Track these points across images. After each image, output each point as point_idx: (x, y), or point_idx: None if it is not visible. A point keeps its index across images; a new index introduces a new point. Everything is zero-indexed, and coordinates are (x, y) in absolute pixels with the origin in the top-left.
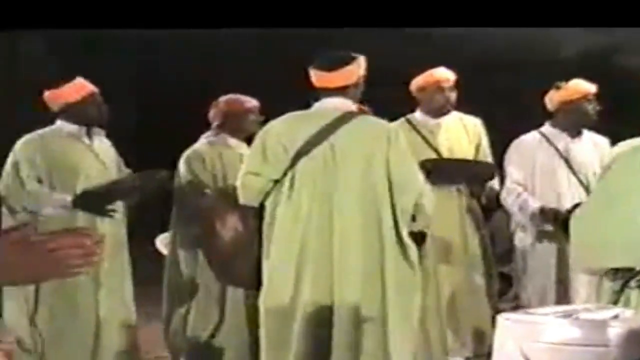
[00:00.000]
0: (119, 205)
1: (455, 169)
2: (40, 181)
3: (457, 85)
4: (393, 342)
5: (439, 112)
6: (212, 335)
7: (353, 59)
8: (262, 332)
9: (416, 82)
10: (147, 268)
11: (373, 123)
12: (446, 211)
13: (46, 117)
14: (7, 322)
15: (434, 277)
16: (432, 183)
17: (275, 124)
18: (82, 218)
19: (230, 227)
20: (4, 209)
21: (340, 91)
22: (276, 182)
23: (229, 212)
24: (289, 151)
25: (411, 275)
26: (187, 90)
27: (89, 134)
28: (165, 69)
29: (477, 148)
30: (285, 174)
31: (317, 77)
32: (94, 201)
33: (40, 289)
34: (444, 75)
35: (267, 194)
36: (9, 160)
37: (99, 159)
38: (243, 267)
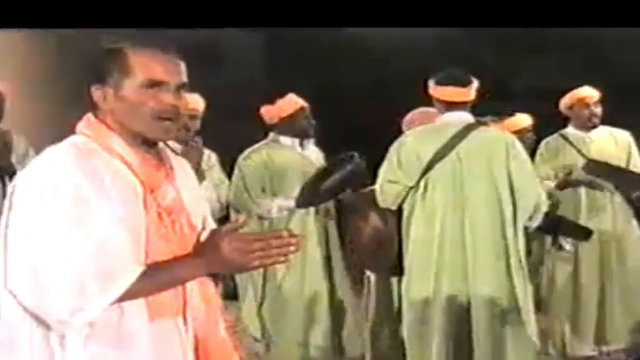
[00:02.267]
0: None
1: (610, 172)
2: (264, 190)
3: (602, 101)
4: (529, 330)
5: (587, 126)
6: None
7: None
8: (405, 321)
9: (564, 101)
10: None
11: (493, 133)
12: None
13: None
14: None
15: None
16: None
17: (409, 135)
18: (294, 221)
19: (372, 224)
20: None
21: (465, 105)
22: (410, 188)
23: (370, 210)
24: (422, 160)
25: (522, 267)
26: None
27: (302, 144)
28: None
29: (628, 159)
30: (418, 181)
31: (448, 92)
32: (313, 198)
33: (266, 283)
34: (589, 93)
35: (404, 199)
36: (236, 173)
37: (313, 166)
38: (385, 258)
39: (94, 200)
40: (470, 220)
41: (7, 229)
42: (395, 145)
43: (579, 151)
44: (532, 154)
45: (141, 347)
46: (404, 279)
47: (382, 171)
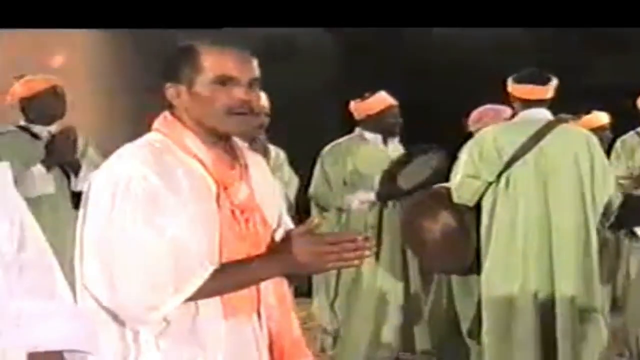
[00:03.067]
0: None
1: None
2: (345, 183)
3: None
4: (604, 330)
5: None
6: None
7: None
8: (486, 319)
9: None
10: None
11: (575, 130)
12: None
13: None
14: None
15: None
16: None
17: (489, 131)
18: (371, 214)
19: (442, 224)
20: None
21: (544, 103)
22: (490, 183)
23: (441, 209)
24: (503, 156)
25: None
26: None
27: (385, 142)
28: None
29: None
30: (499, 176)
31: (527, 90)
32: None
33: (340, 278)
34: None
35: (483, 195)
36: (318, 166)
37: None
38: (459, 257)
39: (167, 198)
40: (556, 216)
41: (83, 225)
42: (473, 141)
43: None
44: (608, 152)
45: (216, 345)
46: (485, 276)
47: (461, 167)
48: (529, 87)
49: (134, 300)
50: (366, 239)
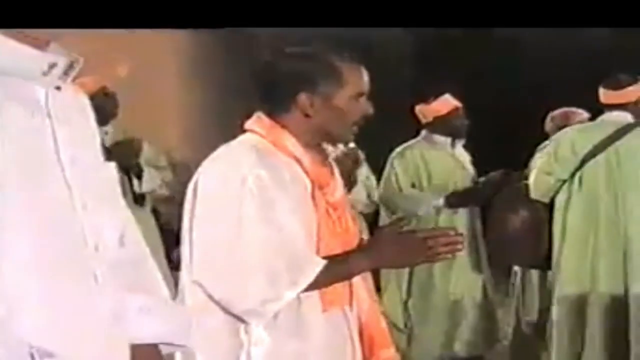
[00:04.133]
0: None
1: None
2: (413, 186)
3: None
4: None
5: None
6: None
7: (636, 81)
8: (555, 314)
9: None
10: None
11: None
12: None
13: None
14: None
15: None
16: None
17: (568, 131)
18: (442, 217)
19: (522, 217)
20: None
21: (625, 106)
22: (564, 181)
23: (520, 203)
24: (578, 155)
25: None
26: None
27: (453, 144)
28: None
29: None
30: (573, 175)
31: (605, 94)
32: (465, 200)
33: (413, 277)
34: None
35: (557, 192)
36: (387, 168)
37: (462, 165)
38: (531, 251)
39: (279, 197)
40: (626, 215)
41: (192, 223)
42: (552, 140)
43: None
44: None
45: (316, 336)
46: (557, 272)
47: (539, 163)
48: (607, 92)
49: (252, 295)
50: (459, 234)
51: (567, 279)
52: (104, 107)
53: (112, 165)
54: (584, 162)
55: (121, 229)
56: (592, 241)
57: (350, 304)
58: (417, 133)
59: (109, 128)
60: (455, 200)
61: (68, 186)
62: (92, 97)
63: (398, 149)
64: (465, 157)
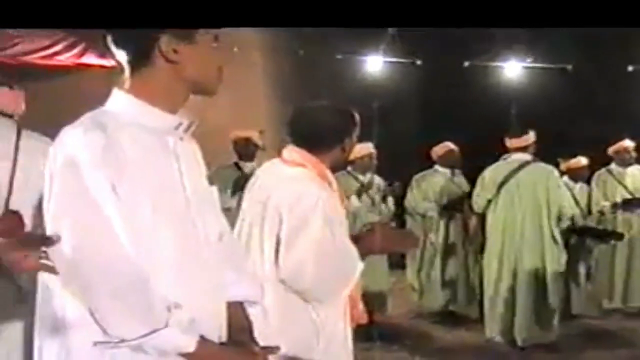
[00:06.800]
0: None
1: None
2: (424, 199)
3: None
4: None
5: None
6: None
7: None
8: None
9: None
10: None
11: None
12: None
13: None
14: None
15: None
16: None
17: (490, 167)
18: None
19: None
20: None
21: (523, 149)
22: (489, 200)
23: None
24: (496, 183)
25: None
26: None
27: (453, 173)
28: None
29: None
30: (495, 196)
31: (509, 142)
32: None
33: (424, 255)
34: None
35: (486, 207)
36: (409, 188)
37: (458, 186)
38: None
39: (332, 211)
40: (524, 223)
41: (297, 234)
42: (483, 173)
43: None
44: None
45: (346, 311)
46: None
47: (475, 189)
48: (512, 140)
49: (331, 286)
50: (414, 235)
51: (490, 259)
52: (251, 150)
53: (214, 189)
54: (499, 188)
55: (220, 230)
56: (506, 235)
57: None
58: (431, 166)
59: (254, 163)
60: (448, 206)
61: (187, 201)
62: (242, 144)
63: (416, 176)
64: (462, 181)
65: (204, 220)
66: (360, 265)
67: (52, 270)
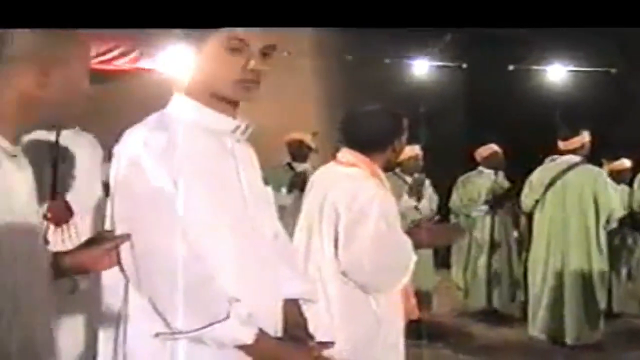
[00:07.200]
0: None
1: None
2: (469, 200)
3: None
4: None
5: None
6: None
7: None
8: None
9: None
10: None
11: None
12: None
13: None
14: None
15: None
16: None
17: (538, 169)
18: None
19: None
20: None
21: (572, 151)
22: (537, 200)
23: None
24: (543, 184)
25: None
26: None
27: (496, 174)
28: None
29: None
30: (542, 196)
31: (560, 144)
32: None
33: (470, 254)
34: None
35: (534, 207)
36: (454, 189)
37: (500, 187)
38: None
39: (389, 207)
40: (569, 223)
41: (349, 225)
42: (532, 175)
43: None
44: None
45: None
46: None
47: (524, 190)
48: (562, 142)
49: (390, 276)
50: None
51: (536, 258)
52: (305, 151)
53: (269, 189)
54: (546, 189)
55: (275, 229)
56: (552, 235)
57: None
58: (474, 167)
59: (307, 164)
60: (495, 205)
61: (245, 200)
62: (296, 145)
63: (461, 178)
64: (505, 182)
65: (260, 219)
66: (414, 257)
67: (122, 267)
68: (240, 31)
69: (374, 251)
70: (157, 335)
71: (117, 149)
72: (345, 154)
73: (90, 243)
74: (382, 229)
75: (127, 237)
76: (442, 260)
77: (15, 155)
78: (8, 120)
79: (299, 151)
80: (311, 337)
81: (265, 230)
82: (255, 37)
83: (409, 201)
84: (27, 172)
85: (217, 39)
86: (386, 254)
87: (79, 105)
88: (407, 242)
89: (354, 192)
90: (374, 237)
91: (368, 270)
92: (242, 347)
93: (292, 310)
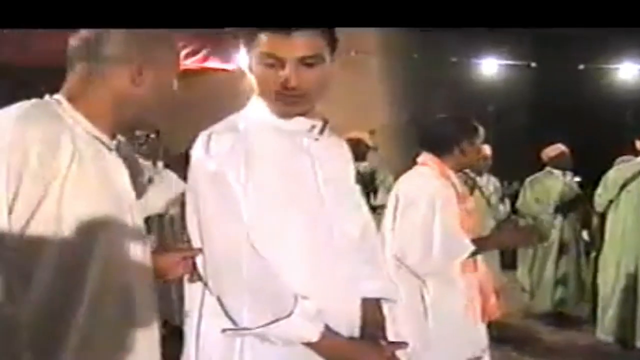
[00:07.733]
0: None
1: None
2: (537, 201)
3: None
4: None
5: None
6: None
7: None
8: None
9: None
10: None
11: None
12: None
13: None
14: None
15: None
16: None
17: (612, 170)
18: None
19: None
20: None
21: None
22: (611, 201)
23: None
24: (617, 184)
25: None
26: None
27: (564, 174)
28: None
29: None
30: (617, 197)
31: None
32: None
33: (536, 255)
34: None
35: (607, 207)
36: (522, 190)
37: (570, 188)
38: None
39: (444, 202)
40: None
41: (412, 217)
42: (606, 175)
43: None
44: None
45: (459, 288)
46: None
47: (598, 190)
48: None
49: (437, 261)
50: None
51: (608, 260)
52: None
53: (358, 187)
54: (621, 189)
55: (362, 227)
56: (626, 238)
57: (475, 270)
58: (542, 168)
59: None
60: (564, 209)
61: (321, 197)
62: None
63: (529, 179)
64: (574, 183)
65: (342, 216)
66: (470, 248)
67: (197, 272)
68: (263, 38)
69: (421, 235)
70: (223, 331)
71: (191, 152)
72: (421, 155)
73: (167, 250)
74: (429, 215)
75: (199, 250)
76: (508, 261)
77: (112, 150)
78: (105, 117)
79: (356, 150)
80: (386, 338)
81: (347, 228)
82: (290, 49)
83: (503, 209)
84: (124, 167)
85: (254, 53)
86: (433, 240)
87: (168, 104)
88: (458, 233)
89: (416, 183)
90: (420, 222)
91: (417, 254)
92: (309, 345)
93: (371, 309)
